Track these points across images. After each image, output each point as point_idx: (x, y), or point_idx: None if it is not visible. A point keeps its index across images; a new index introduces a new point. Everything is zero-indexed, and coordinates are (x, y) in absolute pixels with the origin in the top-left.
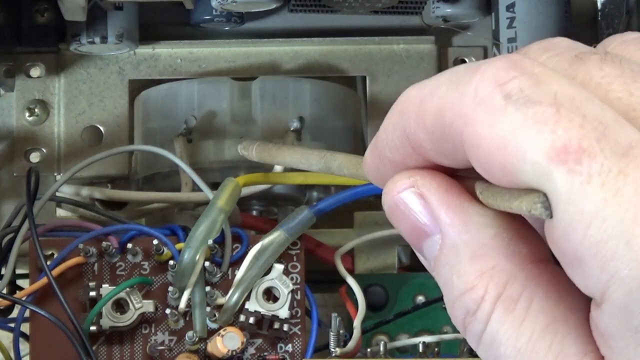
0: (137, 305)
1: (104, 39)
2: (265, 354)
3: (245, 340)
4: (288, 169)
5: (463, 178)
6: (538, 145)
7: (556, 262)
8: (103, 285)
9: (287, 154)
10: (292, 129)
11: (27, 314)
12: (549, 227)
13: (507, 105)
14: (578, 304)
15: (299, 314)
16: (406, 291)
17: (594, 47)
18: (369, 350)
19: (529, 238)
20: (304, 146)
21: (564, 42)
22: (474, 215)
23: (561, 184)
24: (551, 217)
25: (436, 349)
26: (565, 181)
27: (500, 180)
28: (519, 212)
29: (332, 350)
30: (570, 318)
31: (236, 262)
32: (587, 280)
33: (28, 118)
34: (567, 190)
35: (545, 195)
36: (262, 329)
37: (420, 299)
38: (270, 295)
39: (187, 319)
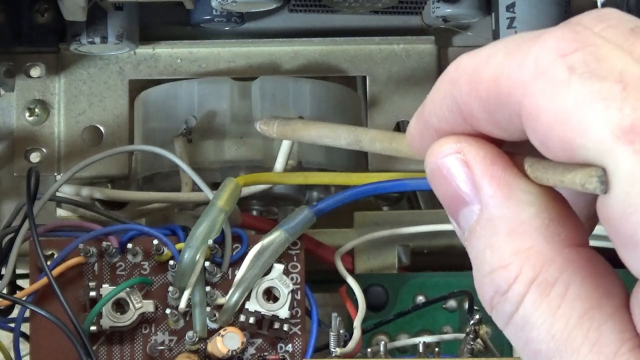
0: (137, 305)
1: (104, 39)
2: (265, 354)
3: (245, 340)
4: (288, 169)
5: (510, 153)
6: (604, 122)
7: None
8: (103, 285)
9: (313, 129)
10: None
11: (27, 314)
12: (604, 205)
13: (571, 77)
14: (614, 291)
15: (299, 314)
16: (406, 291)
17: None
18: (369, 350)
19: (569, 221)
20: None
21: (615, 13)
22: (517, 191)
23: (625, 164)
24: (605, 192)
25: (436, 349)
26: (631, 161)
27: (556, 153)
28: (570, 185)
29: (332, 350)
30: (606, 305)
31: (236, 262)
32: None
33: (28, 118)
34: (632, 171)
35: (603, 170)
36: (262, 329)
37: (420, 299)
38: (270, 295)
39: (187, 319)
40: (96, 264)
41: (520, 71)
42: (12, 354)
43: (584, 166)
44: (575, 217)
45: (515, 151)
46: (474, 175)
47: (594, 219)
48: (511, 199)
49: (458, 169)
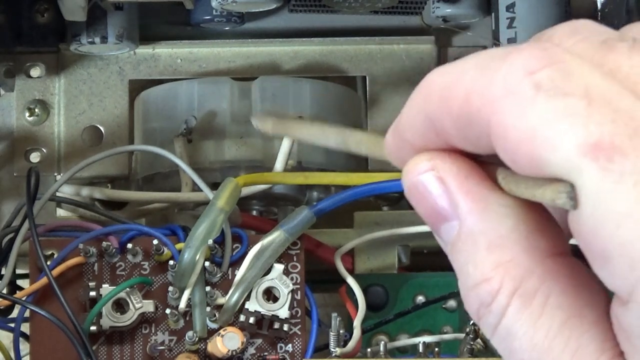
0: (137, 305)
1: (104, 39)
2: (265, 354)
3: (245, 340)
4: (288, 169)
5: (485, 163)
6: (569, 138)
7: (575, 255)
8: (103, 285)
9: (305, 128)
10: None
11: (27, 314)
12: (575, 220)
13: (537, 95)
14: (595, 299)
15: (299, 314)
16: (406, 291)
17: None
18: (369, 350)
19: (548, 230)
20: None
21: (589, 25)
22: (493, 204)
23: (591, 180)
24: (575, 208)
25: (436, 349)
26: (596, 178)
27: (525, 170)
28: (541, 200)
29: (332, 350)
30: (587, 314)
31: (236, 262)
32: (614, 278)
33: (28, 118)
34: (598, 187)
35: (571, 185)
36: (262, 329)
37: (420, 299)
38: (270, 295)
39: (187, 319)
40: (96, 264)
41: (489, 89)
42: (12, 354)
43: (553, 181)
44: (555, 226)
45: (492, 161)
46: (450, 190)
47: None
48: (488, 212)
49: (434, 185)
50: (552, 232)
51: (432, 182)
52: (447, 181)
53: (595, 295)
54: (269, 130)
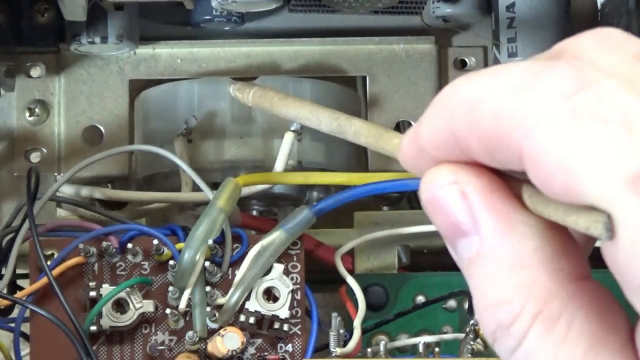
0: (137, 305)
1: (104, 39)
2: (265, 354)
3: (245, 340)
4: (288, 169)
5: (508, 177)
6: (609, 169)
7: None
8: (103, 285)
9: (293, 107)
10: (292, 129)
11: (27, 314)
12: (610, 250)
13: (574, 121)
14: (618, 325)
15: (299, 314)
16: (406, 291)
17: None
18: (369, 350)
19: (571, 253)
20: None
21: (617, 34)
22: (518, 223)
23: (632, 214)
24: (611, 239)
25: (436, 349)
26: (636, 211)
27: (559, 196)
28: (573, 226)
29: (332, 350)
30: (611, 340)
31: (236, 262)
32: None
33: (28, 118)
34: (637, 220)
35: (608, 216)
36: (262, 329)
37: (420, 299)
38: (270, 295)
39: (187, 319)
40: (96, 264)
41: (522, 112)
42: (12, 354)
43: (587, 209)
44: (578, 248)
45: (517, 176)
46: (472, 206)
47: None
48: (512, 232)
49: (455, 199)
50: (575, 254)
51: (453, 196)
52: (470, 196)
53: (617, 320)
54: (247, 102)
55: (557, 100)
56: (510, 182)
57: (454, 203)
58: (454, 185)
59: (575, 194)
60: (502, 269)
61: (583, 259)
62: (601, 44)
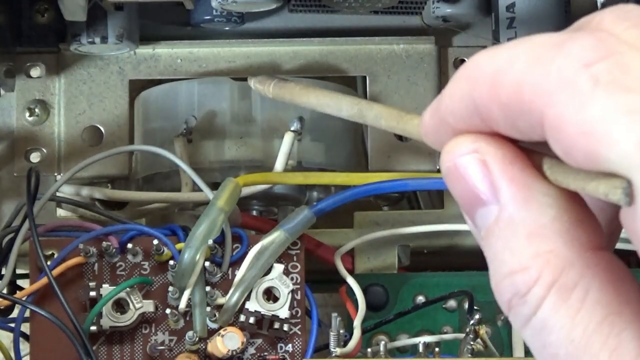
0: (137, 305)
1: (104, 39)
2: (265, 354)
3: (245, 340)
4: (288, 169)
5: (527, 150)
6: (630, 135)
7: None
8: (103, 285)
9: (313, 95)
10: (292, 129)
11: (27, 314)
12: (628, 217)
13: (596, 89)
14: (632, 296)
15: (299, 314)
16: (406, 291)
17: None
18: (369, 350)
19: (589, 224)
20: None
21: (637, 10)
22: (537, 192)
23: None
24: (629, 205)
25: (436, 349)
26: None
27: (580, 163)
28: (593, 193)
29: (332, 350)
30: (626, 311)
31: (236, 262)
32: None
33: (28, 118)
34: None
35: (628, 182)
36: (262, 329)
37: (420, 299)
38: (270, 295)
39: (187, 319)
40: (96, 264)
41: (544, 81)
42: (12, 354)
43: (607, 176)
44: (594, 220)
45: (536, 148)
46: (492, 175)
47: (613, 222)
48: (531, 201)
49: (475, 168)
50: (592, 225)
51: (474, 165)
52: (490, 165)
53: (632, 293)
54: (268, 94)
55: (580, 68)
56: (529, 154)
57: (474, 172)
58: (475, 154)
59: (595, 160)
60: (520, 237)
61: (600, 230)
62: (622, 19)
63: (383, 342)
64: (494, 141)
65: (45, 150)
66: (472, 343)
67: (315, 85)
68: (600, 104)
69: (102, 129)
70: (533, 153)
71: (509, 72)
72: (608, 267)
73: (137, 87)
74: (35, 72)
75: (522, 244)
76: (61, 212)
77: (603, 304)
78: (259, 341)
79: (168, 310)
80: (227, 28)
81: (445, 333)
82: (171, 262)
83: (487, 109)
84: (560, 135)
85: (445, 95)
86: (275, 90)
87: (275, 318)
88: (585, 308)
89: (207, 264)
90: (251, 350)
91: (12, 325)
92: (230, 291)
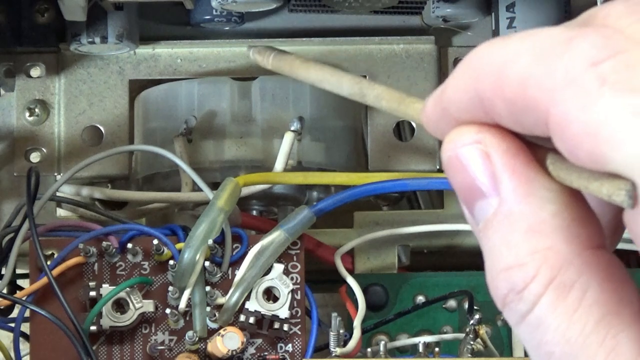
0: (137, 305)
1: (104, 39)
2: (265, 353)
3: (245, 340)
4: (288, 169)
5: (530, 144)
6: (636, 137)
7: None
8: (103, 285)
9: (314, 70)
10: (292, 129)
11: (27, 313)
12: (631, 219)
13: (602, 89)
14: (630, 297)
15: (299, 314)
16: (406, 291)
17: None
18: (369, 350)
19: (589, 222)
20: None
21: None
22: (538, 187)
23: None
24: (633, 207)
25: (436, 349)
26: None
27: (584, 163)
28: (596, 193)
29: (332, 350)
30: (624, 312)
31: (236, 262)
32: None
33: (28, 118)
34: None
35: (633, 184)
36: (262, 328)
37: (420, 299)
38: (270, 295)
39: (187, 318)
40: (96, 264)
41: (550, 78)
42: (12, 354)
43: (611, 176)
44: (595, 219)
45: (539, 143)
46: (494, 167)
47: (614, 222)
48: (532, 195)
49: (477, 159)
50: (592, 223)
51: (476, 156)
52: (493, 157)
53: (630, 293)
54: (267, 65)
55: (586, 67)
56: (533, 148)
57: (475, 163)
58: (478, 144)
59: (600, 160)
60: (519, 231)
61: (600, 229)
62: (629, 12)
63: (383, 342)
64: (497, 133)
65: (45, 150)
66: (472, 343)
67: (316, 60)
68: (607, 104)
69: (102, 128)
70: (536, 147)
71: (514, 67)
72: (607, 266)
73: (137, 87)
74: (35, 72)
75: (520, 238)
76: (61, 212)
77: (601, 304)
78: (259, 341)
79: (168, 310)
80: (227, 28)
81: (445, 333)
82: (171, 262)
83: (490, 103)
84: (565, 134)
85: (448, 86)
86: (274, 62)
87: (275, 318)
88: (583, 307)
89: (207, 263)
90: (251, 350)
91: (12, 325)
92: (230, 291)
